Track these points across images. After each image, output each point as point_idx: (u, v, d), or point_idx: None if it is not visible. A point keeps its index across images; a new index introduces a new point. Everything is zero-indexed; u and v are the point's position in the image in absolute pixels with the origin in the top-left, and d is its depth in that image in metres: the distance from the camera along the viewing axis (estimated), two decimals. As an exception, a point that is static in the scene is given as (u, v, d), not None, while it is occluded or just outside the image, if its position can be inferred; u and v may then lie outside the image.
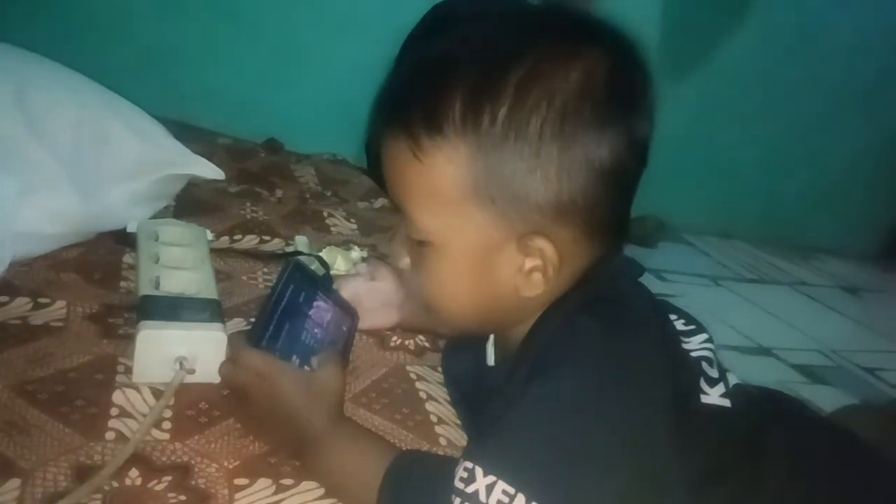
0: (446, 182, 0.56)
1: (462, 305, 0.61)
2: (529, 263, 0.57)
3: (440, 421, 0.72)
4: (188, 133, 1.14)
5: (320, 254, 0.94)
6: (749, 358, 1.56)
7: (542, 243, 0.56)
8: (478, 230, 0.56)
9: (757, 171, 2.38)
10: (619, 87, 0.56)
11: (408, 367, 0.79)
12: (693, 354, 0.63)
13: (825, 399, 1.24)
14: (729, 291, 1.95)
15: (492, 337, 0.71)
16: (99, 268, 0.84)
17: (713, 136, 2.26)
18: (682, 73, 2.14)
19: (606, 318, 0.57)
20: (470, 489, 0.50)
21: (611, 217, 0.59)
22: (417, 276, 0.62)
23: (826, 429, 0.72)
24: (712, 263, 2.18)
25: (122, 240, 0.89)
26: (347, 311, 0.80)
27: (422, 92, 0.56)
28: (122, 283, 0.82)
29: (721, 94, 2.21)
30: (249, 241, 1.02)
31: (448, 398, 0.76)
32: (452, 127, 0.54)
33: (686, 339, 0.64)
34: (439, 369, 0.80)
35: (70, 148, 0.86)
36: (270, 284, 0.91)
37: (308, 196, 1.27)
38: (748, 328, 1.69)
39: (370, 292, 0.83)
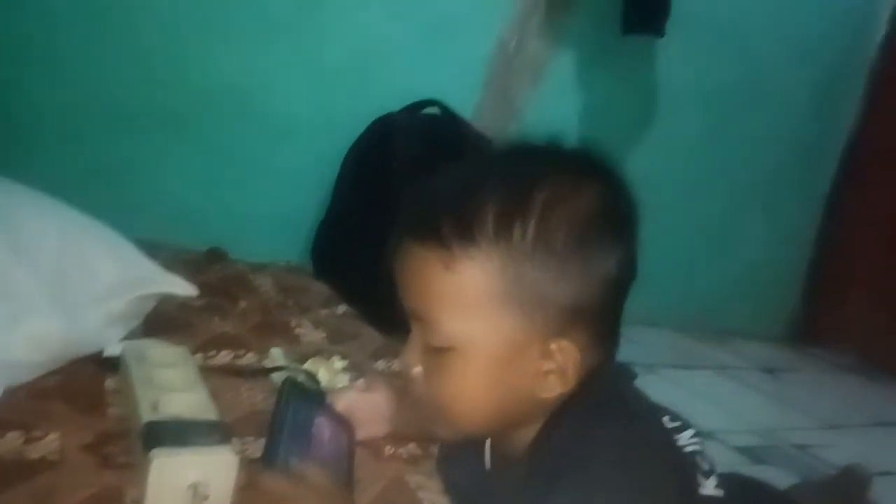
0: (477, 289, 0.60)
1: (477, 409, 0.64)
2: (547, 366, 0.62)
3: (449, 530, 0.73)
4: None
5: (305, 367, 0.95)
6: (695, 443, 1.63)
7: (565, 344, 0.61)
8: (504, 334, 0.61)
9: (674, 262, 2.53)
10: (620, 210, 0.64)
11: (406, 478, 0.81)
12: (686, 450, 0.68)
13: (770, 479, 1.32)
14: (663, 379, 2.05)
15: (488, 441, 0.74)
16: (83, 395, 0.82)
17: (633, 232, 2.40)
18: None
19: (618, 421, 0.62)
20: None
21: (613, 322, 0.65)
22: (434, 384, 0.65)
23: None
24: (644, 352, 2.28)
25: (103, 364, 0.88)
26: (343, 424, 0.81)
27: (455, 208, 0.61)
28: (110, 410, 0.81)
29: (638, 195, 2.37)
30: (224, 357, 1.02)
31: (450, 505, 0.78)
32: (486, 238, 0.60)
33: (676, 436, 0.69)
34: (435, 477, 0.82)
35: (53, 273, 0.86)
36: (255, 401, 0.91)
37: (271, 306, 1.29)
38: (687, 414, 1.76)
39: (362, 403, 0.85)
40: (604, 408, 0.63)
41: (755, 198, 2.59)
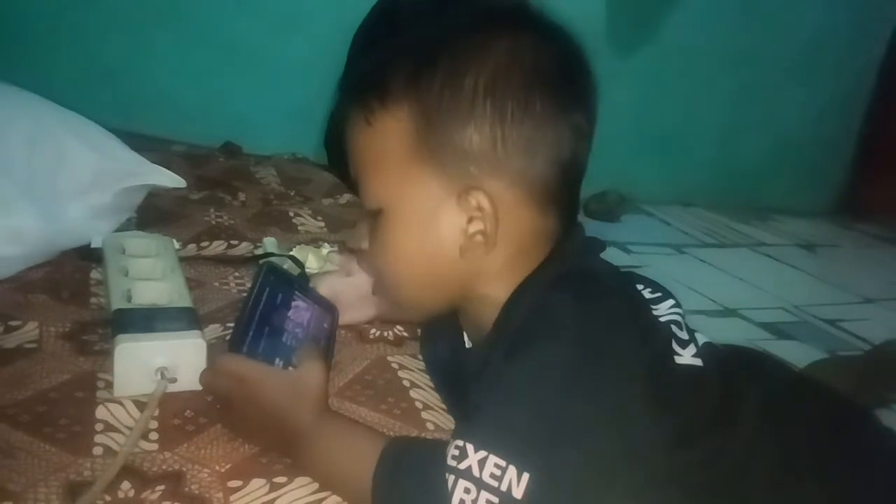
0: (392, 142, 0.61)
1: (413, 273, 0.64)
2: (473, 227, 0.60)
3: (426, 407, 0.73)
4: (143, 143, 1.12)
5: (291, 253, 0.94)
6: (717, 320, 1.60)
7: (479, 197, 0.59)
8: (422, 188, 0.60)
9: (708, 139, 2.43)
10: (545, 57, 0.60)
11: (389, 358, 0.80)
12: (662, 319, 0.65)
13: (793, 354, 1.28)
14: (692, 258, 2.00)
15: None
16: (67, 286, 0.83)
17: (665, 109, 2.30)
18: (630, 49, 2.17)
19: (577, 292, 0.59)
20: (463, 465, 0.51)
21: (549, 182, 0.61)
22: (373, 251, 0.65)
23: (794, 380, 0.75)
24: (674, 232, 2.22)
25: (88, 256, 0.88)
26: (327, 307, 0.80)
27: (374, 66, 0.62)
28: (93, 300, 0.82)
29: (669, 68, 2.25)
30: (217, 247, 1.02)
31: (431, 384, 0.77)
32: (398, 89, 0.60)
33: (655, 307, 0.66)
34: (419, 357, 0.82)
35: (25, 168, 0.85)
36: (243, 288, 0.91)
37: (272, 197, 1.27)
38: (714, 292, 1.73)
39: (347, 287, 0.83)
40: (564, 279, 0.60)
41: (800, 65, 2.42)
